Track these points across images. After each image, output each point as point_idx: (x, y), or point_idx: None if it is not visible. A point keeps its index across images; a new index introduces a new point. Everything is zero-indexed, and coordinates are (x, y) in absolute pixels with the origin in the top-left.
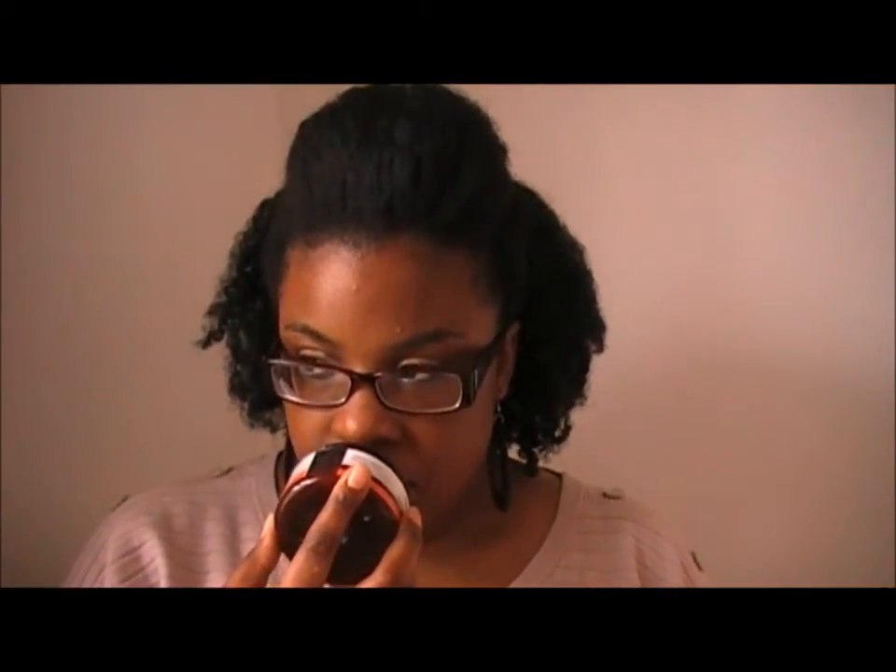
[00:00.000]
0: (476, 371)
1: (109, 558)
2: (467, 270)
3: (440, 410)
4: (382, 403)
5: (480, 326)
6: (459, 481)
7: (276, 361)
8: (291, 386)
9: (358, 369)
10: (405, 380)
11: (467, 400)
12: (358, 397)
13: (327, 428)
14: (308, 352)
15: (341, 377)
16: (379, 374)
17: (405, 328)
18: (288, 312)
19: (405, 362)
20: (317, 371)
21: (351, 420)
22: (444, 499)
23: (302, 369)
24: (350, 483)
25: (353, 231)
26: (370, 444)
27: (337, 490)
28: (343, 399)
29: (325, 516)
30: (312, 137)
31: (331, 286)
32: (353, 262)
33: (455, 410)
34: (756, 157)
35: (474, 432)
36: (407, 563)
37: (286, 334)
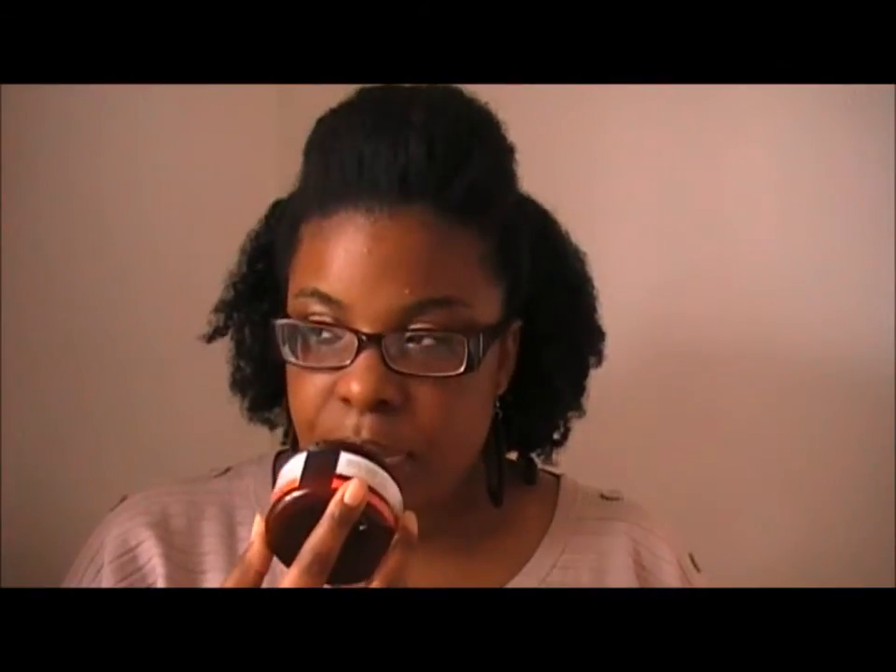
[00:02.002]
0: (481, 338)
1: (107, 558)
2: (476, 247)
3: (443, 373)
4: (387, 365)
5: (486, 302)
6: (458, 456)
7: (282, 321)
8: (296, 354)
9: (366, 329)
10: (410, 345)
11: (470, 366)
12: (364, 358)
13: (330, 393)
14: (316, 317)
15: (347, 340)
16: (386, 335)
17: (414, 290)
18: (299, 281)
19: (412, 326)
20: (324, 335)
21: (355, 382)
22: (442, 475)
23: (309, 334)
24: (346, 500)
25: (367, 199)
26: (375, 411)
27: (332, 507)
28: (348, 362)
29: (320, 534)
30: (330, 123)
31: (344, 249)
32: (366, 226)
33: (459, 375)
34: (756, 157)
35: (474, 407)
36: (402, 571)
37: (294, 303)
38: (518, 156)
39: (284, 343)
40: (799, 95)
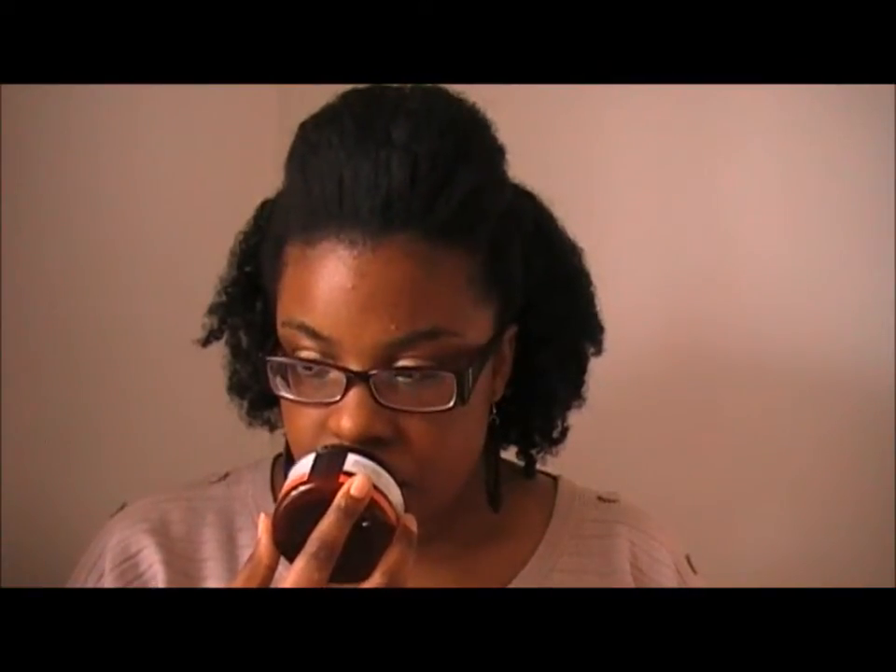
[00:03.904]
0: (471, 371)
1: (108, 565)
2: (463, 269)
3: (434, 409)
4: (376, 401)
5: (476, 325)
6: (453, 481)
7: (273, 358)
8: (288, 384)
9: (354, 366)
10: (400, 379)
11: (461, 399)
12: (353, 394)
13: (322, 426)
14: (304, 353)
15: (336, 375)
16: (374, 372)
17: (400, 326)
18: (286, 309)
19: (401, 363)
20: (314, 369)
21: (346, 418)
22: (438, 499)
23: (299, 367)
24: (352, 492)
25: (349, 230)
26: (366, 447)
27: (339, 499)
28: (338, 397)
29: (326, 523)
30: (311, 136)
31: (327, 283)
32: (349, 260)
33: (449, 409)
34: (756, 157)
35: (468, 433)
36: (402, 568)
37: (283, 332)
38: (515, 157)
39: (274, 377)
40: (799, 95)
